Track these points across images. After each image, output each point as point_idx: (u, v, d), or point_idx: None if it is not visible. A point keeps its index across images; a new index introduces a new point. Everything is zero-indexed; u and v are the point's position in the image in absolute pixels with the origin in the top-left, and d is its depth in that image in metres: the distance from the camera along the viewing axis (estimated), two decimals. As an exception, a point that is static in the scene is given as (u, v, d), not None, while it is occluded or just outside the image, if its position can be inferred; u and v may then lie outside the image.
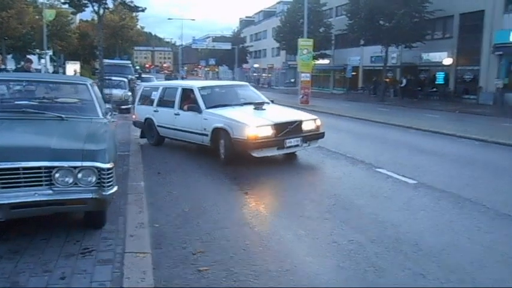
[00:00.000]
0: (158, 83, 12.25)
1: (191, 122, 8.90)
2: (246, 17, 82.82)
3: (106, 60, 22.83)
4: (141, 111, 10.77)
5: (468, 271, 3.83)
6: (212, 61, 74.31)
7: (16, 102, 5.34)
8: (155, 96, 10.27)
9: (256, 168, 7.92)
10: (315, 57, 40.15)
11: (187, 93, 9.35)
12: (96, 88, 6.08)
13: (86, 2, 16.93)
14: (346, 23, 33.89)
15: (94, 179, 3.90)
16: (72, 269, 3.61)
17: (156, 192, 6.36)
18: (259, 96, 9.90)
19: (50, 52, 39.63)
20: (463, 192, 6.27)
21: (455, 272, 3.81)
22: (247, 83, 11.18)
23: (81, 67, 41.22)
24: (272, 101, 9.77)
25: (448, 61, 30.17)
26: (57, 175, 3.83)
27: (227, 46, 61.55)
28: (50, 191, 3.83)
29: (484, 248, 4.34)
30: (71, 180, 3.86)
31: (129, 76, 21.94)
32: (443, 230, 4.85)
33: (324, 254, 4.23)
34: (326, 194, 6.34)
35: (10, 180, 3.72)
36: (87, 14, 32.28)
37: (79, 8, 17.72)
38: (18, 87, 5.70)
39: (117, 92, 17.14)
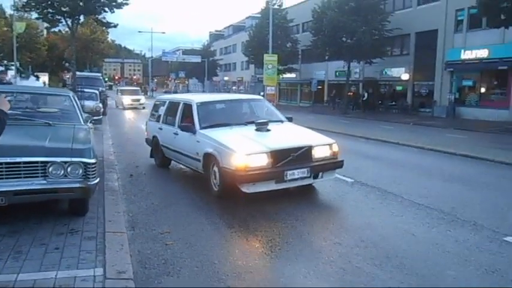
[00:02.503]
0: (166, 96, 10.66)
1: (186, 144, 7.60)
2: (216, 30, 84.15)
3: (78, 73, 23.48)
4: (150, 128, 9.75)
5: (375, 241, 4.94)
6: (182, 74, 75.05)
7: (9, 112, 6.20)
8: (162, 111, 9.19)
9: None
10: (282, 71, 41.77)
11: (187, 108, 7.93)
12: (76, 99, 6.98)
13: (60, 17, 17.62)
14: (310, 39, 35.51)
15: (81, 171, 4.84)
16: (64, 243, 4.53)
17: (129, 190, 7.30)
18: (274, 113, 8.29)
19: (17, 64, 39.69)
20: (388, 187, 7.50)
21: (365, 241, 4.93)
22: (261, 97, 9.76)
23: (49, 79, 41.41)
24: (290, 119, 8.22)
25: (405, 76, 32.08)
26: (50, 168, 4.75)
27: (197, 59, 62.52)
28: (45, 181, 4.74)
29: (391, 227, 5.48)
30: (62, 173, 4.79)
31: (100, 88, 22.61)
32: (365, 215, 6.02)
33: None
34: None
35: (12, 172, 4.62)
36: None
37: (53, 23, 18.40)
38: (9, 98, 6.55)
39: (89, 104, 17.79)
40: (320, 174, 6.70)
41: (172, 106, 8.73)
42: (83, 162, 4.85)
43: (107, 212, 5.65)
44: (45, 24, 32.63)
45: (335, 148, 6.91)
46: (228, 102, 8.64)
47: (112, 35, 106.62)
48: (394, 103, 33.68)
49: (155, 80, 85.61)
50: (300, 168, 6.37)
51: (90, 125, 6.59)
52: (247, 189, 6.16)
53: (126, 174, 8.57)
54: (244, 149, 6.22)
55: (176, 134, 7.97)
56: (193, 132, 7.26)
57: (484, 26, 25.29)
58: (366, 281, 3.96)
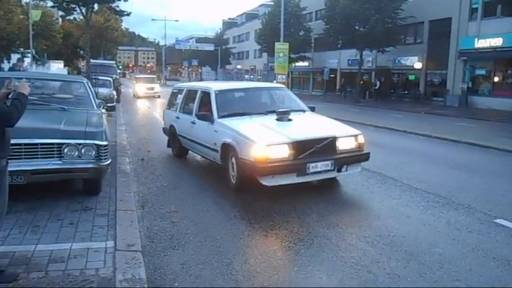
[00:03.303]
0: (184, 84, 10.57)
1: (203, 134, 7.34)
2: (229, 18, 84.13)
3: (92, 61, 23.94)
4: (168, 117, 9.62)
5: (370, 221, 5.20)
6: (195, 62, 75.39)
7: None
8: (179, 100, 8.99)
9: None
10: (295, 60, 41.79)
11: (205, 96, 7.66)
12: (90, 85, 7.32)
13: (74, 6, 17.99)
14: (323, 27, 35.45)
15: (94, 153, 5.18)
16: (78, 219, 4.89)
17: (140, 172, 7.66)
18: (297, 102, 7.95)
19: (33, 51, 40.38)
20: (390, 173, 7.75)
21: (359, 222, 5.20)
22: (282, 86, 9.23)
23: (65, 66, 42.05)
24: (312, 108, 7.87)
25: (418, 65, 31.92)
26: (66, 150, 5.09)
27: (210, 47, 62.75)
28: (60, 162, 5.09)
29: (387, 208, 5.73)
30: (76, 154, 5.13)
31: (114, 76, 23.03)
32: (363, 198, 6.33)
33: None
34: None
35: (30, 153, 4.97)
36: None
37: (68, 11, 18.79)
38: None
39: (102, 91, 18.19)
40: (344, 167, 6.30)
41: (190, 94, 8.53)
42: (96, 144, 5.18)
43: (118, 192, 5.99)
44: (60, 13, 33.13)
45: (361, 139, 6.54)
46: (247, 91, 8.24)
47: (126, 23, 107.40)
48: (406, 92, 33.57)
49: (169, 68, 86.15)
50: (324, 161, 6.02)
51: (102, 110, 6.92)
52: (267, 182, 5.84)
53: (138, 158, 8.92)
54: (265, 140, 5.89)
55: (193, 123, 7.73)
56: (211, 121, 6.96)
57: (498, 14, 25.09)
58: (357, 256, 4.23)
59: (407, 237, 4.74)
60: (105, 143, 5.24)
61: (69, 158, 5.11)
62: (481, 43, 26.11)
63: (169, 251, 4.36)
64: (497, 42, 25.05)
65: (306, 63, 46.07)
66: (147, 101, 27.68)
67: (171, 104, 9.58)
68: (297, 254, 4.32)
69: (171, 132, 9.16)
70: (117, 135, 11.63)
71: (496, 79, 26.62)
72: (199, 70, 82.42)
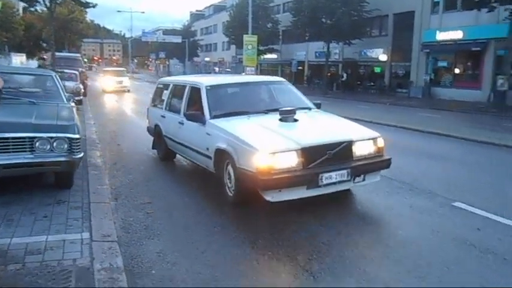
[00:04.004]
0: (170, 78, 9.32)
1: (193, 137, 6.44)
2: (197, 10, 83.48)
3: (57, 53, 23.39)
4: (152, 115, 8.60)
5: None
6: (162, 54, 74.45)
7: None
8: (165, 96, 7.96)
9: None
10: (263, 52, 41.96)
11: (195, 93, 6.71)
12: (59, 79, 7.26)
13: (38, -4, 17.57)
14: (291, 20, 35.73)
15: (66, 146, 5.19)
16: (52, 212, 4.91)
17: (111, 166, 7.67)
18: (300, 98, 6.99)
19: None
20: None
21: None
22: (283, 79, 7.86)
23: (27, 59, 40.81)
24: (318, 105, 6.91)
25: (383, 57, 32.67)
26: (37, 143, 5.09)
27: (177, 39, 62.06)
28: (32, 155, 5.09)
29: (351, 195, 6.00)
30: (48, 147, 5.13)
31: (80, 69, 22.60)
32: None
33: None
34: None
35: (1, 147, 4.95)
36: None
37: (31, 2, 18.31)
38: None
39: (69, 84, 17.82)
40: (361, 176, 5.35)
41: (177, 90, 7.52)
42: (68, 138, 5.20)
43: (91, 185, 6.02)
44: (22, 4, 32.08)
45: (380, 143, 5.59)
46: (243, 86, 7.20)
47: (90, 15, 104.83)
48: (372, 84, 34.34)
49: (135, 61, 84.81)
50: (338, 170, 5.08)
51: (72, 103, 6.89)
52: (271, 197, 4.91)
53: (109, 151, 8.90)
54: (268, 146, 4.95)
55: (181, 123, 6.80)
56: (203, 122, 6.05)
57: (459, 7, 25.95)
58: (310, 236, 4.45)
59: (371, 220, 5.02)
60: (77, 136, 5.26)
61: (41, 152, 5.11)
62: (442, 36, 26.98)
63: (145, 241, 4.46)
64: (457, 35, 25.95)
65: (274, 56, 46.33)
66: (115, 95, 27.22)
67: (155, 101, 8.59)
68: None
69: (156, 132, 8.20)
70: (85, 129, 11.51)
71: (456, 71, 27.60)
72: (167, 62, 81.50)
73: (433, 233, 4.65)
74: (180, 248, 4.28)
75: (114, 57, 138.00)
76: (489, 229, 4.78)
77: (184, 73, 61.05)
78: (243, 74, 27.81)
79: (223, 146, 5.47)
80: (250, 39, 28.66)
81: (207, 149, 5.94)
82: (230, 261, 4.04)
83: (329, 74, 36.19)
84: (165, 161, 8.03)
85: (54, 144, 5.16)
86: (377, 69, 34.51)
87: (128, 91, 29.27)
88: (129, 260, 3.99)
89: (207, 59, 71.44)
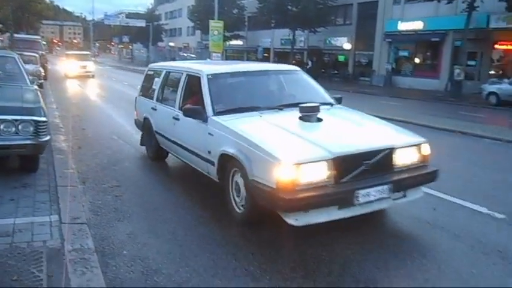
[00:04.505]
0: (162, 64, 7.68)
1: (192, 136, 5.42)
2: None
3: (16, 35, 22.57)
4: (141, 107, 7.43)
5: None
6: (126, 38, 72.77)
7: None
8: (156, 85, 6.84)
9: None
10: (229, 38, 41.77)
11: (193, 83, 5.69)
12: (21, 61, 7.10)
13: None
14: (257, 6, 35.70)
15: (32, 129, 5.14)
16: (18, 195, 4.87)
17: (76, 150, 7.61)
18: (317, 91, 5.87)
19: None
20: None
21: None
22: (296, 68, 6.56)
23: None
24: (339, 100, 5.82)
25: (347, 46, 33.24)
26: (2, 126, 5.02)
27: (141, 23, 60.73)
28: (-3, 138, 5.01)
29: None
30: (13, 130, 5.07)
31: (40, 52, 21.90)
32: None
33: None
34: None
35: (-35, 130, 4.86)
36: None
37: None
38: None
39: (28, 68, 17.25)
40: (401, 192, 4.34)
41: (171, 78, 6.51)
42: (34, 120, 5.14)
43: (57, 169, 5.97)
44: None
45: (425, 150, 4.55)
46: (251, 75, 5.94)
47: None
48: (336, 72, 34.90)
49: (97, 45, 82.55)
50: (378, 185, 4.07)
51: (35, 86, 6.78)
52: (295, 220, 3.84)
53: (73, 136, 8.78)
54: (292, 155, 3.89)
55: (176, 118, 5.74)
56: (204, 119, 4.99)
57: (420, -2, 26.66)
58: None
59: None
60: (43, 119, 5.22)
61: (6, 135, 5.04)
62: (403, 26, 27.70)
63: (114, 223, 4.51)
64: (418, 25, 26.72)
65: (240, 42, 46.20)
66: (79, 80, 26.26)
67: (145, 90, 7.40)
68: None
69: (145, 127, 7.12)
70: (48, 113, 11.26)
71: (416, 60, 28.47)
72: (130, 47, 79.77)
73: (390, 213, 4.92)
74: (150, 229, 4.37)
75: (74, 41, 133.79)
76: (443, 208, 5.12)
77: (148, 58, 60.07)
78: (208, 60, 27.66)
79: (230, 150, 4.41)
80: (216, 25, 28.50)
81: (209, 152, 4.89)
82: (198, 239, 4.16)
83: (294, 62, 36.45)
84: (155, 161, 6.93)
85: (20, 127, 5.10)
86: (341, 58, 35.09)
87: (93, 76, 28.08)
88: (99, 241, 4.04)
89: (171, 44, 70.37)
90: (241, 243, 4.12)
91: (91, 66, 28.76)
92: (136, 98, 7.77)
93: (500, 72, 22.49)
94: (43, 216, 4.33)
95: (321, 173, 3.92)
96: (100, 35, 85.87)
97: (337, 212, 3.99)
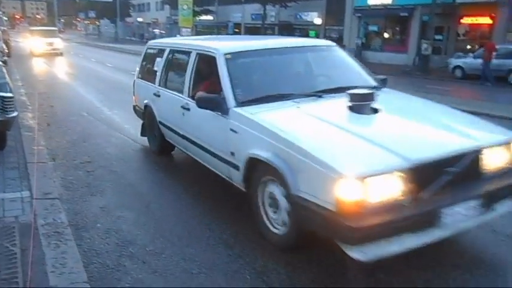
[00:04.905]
0: (166, 41, 6.66)
1: (207, 131, 4.38)
2: (128, -33, 79.13)
3: (-26, 10, 21.54)
4: (140, 91, 6.36)
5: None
6: (92, 14, 70.51)
7: None
8: (159, 66, 5.67)
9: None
10: (199, 13, 41.11)
11: (205, 64, 4.66)
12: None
13: None
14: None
15: (-2, 105, 5.05)
16: (-14, 173, 4.81)
17: (45, 127, 7.49)
18: (358, 72, 4.75)
19: None
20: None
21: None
22: (331, 43, 5.20)
23: None
24: (383, 81, 4.73)
25: (318, 21, 33.24)
26: (-34, 102, 4.90)
27: (108, -2, 58.90)
28: (-38, 115, 4.90)
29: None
30: (-22, 106, 4.97)
31: (2, 27, 21.11)
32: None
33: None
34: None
35: None
36: None
37: None
38: None
39: (-10, 44, 16.74)
40: (491, 206, 3.21)
41: (177, 58, 5.45)
42: (0, 96, 5.04)
43: (25, 146, 5.90)
44: None
45: None
46: (278, 53, 4.67)
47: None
48: (307, 47, 34.87)
49: (62, 21, 79.72)
50: (466, 200, 3.06)
51: (0, 62, 6.60)
52: (361, 254, 2.77)
53: (41, 113, 8.61)
54: (357, 164, 2.86)
55: (186, 108, 4.67)
56: (223, 111, 3.92)
57: (389, -28, 26.76)
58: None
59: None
60: (10, 94, 5.14)
61: (-28, 111, 4.94)
62: (373, 1, 27.84)
63: (87, 197, 4.52)
64: (387, 0, 26.86)
65: (210, 17, 45.51)
66: (45, 58, 24.62)
67: (144, 72, 6.28)
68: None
69: (146, 116, 6.07)
70: (14, 90, 10.97)
71: (386, 35, 28.75)
72: (97, 23, 77.45)
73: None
74: (124, 203, 4.40)
75: (38, 16, 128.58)
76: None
77: (116, 34, 58.58)
78: (178, 36, 27.24)
79: (263, 154, 3.36)
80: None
81: (232, 153, 3.86)
82: (173, 212, 4.23)
83: (265, 37, 36.28)
84: (161, 155, 5.92)
85: (-15, 102, 5.00)
86: (312, 33, 35.04)
87: (61, 54, 26.40)
88: (73, 215, 4.06)
89: (139, 19, 68.60)
90: (215, 214, 4.20)
91: (59, 43, 27.06)
92: (134, 81, 6.63)
93: (468, 47, 23.01)
94: (14, 193, 4.32)
95: (394, 187, 2.86)
96: (65, 11, 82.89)
97: (417, 238, 2.88)
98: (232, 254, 3.41)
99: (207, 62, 4.57)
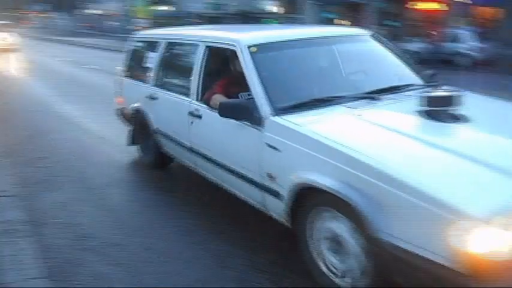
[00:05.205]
0: (160, 32, 5.25)
1: (231, 144, 3.44)
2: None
3: None
4: (128, 92, 5.36)
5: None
6: (44, 6, 67.97)
7: None
8: (152, 62, 4.77)
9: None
10: (157, 3, 40.39)
11: (219, 59, 4.04)
12: None
13: None
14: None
15: None
16: None
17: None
18: (401, 65, 4.01)
19: None
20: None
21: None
22: (363, 31, 4.39)
23: None
24: (432, 76, 3.92)
25: (275, 9, 33.42)
26: None
27: (61, -11, 56.95)
28: None
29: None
30: None
31: None
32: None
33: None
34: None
35: None
36: None
37: None
38: None
39: None
40: None
41: (178, 53, 4.60)
42: None
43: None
44: None
45: None
46: (311, 44, 3.79)
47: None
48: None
49: (15, 14, 76.47)
50: None
51: None
52: None
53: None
54: (482, 199, 2.04)
55: (196, 115, 3.78)
56: (255, 120, 3.06)
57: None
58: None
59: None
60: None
61: None
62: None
63: (45, 193, 4.47)
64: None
65: (167, 7, 44.76)
66: None
67: (132, 69, 5.33)
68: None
69: (137, 122, 5.09)
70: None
71: (343, 22, 29.18)
72: (52, 16, 74.76)
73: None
74: (83, 198, 4.38)
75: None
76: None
77: (72, 27, 56.72)
78: (134, 26, 26.62)
79: (325, 182, 2.48)
80: (141, -10, 27.41)
81: (270, 176, 2.95)
82: (130, 205, 4.29)
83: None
84: (157, 169, 5.04)
85: None
86: (271, 21, 35.16)
87: (16, 50, 24.23)
88: (30, 211, 4.00)
89: (94, 11, 66.64)
90: (179, 202, 4.26)
91: (13, 37, 25.10)
92: (119, 79, 5.59)
93: (421, 32, 23.68)
94: (-35, 191, 4.23)
95: None
96: (14, 3, 79.54)
97: None
98: (193, 242, 3.47)
99: (220, 57, 3.96)
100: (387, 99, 3.24)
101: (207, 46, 3.87)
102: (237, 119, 3.15)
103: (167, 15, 46.83)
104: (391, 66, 4.02)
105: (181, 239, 3.53)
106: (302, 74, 3.58)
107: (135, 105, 4.98)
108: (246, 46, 3.40)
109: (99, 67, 15.93)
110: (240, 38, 3.54)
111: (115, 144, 6.07)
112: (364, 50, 4.10)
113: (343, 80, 3.72)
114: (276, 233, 3.40)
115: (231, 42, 3.55)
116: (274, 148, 2.89)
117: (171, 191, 4.54)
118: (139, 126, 5.08)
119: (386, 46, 4.18)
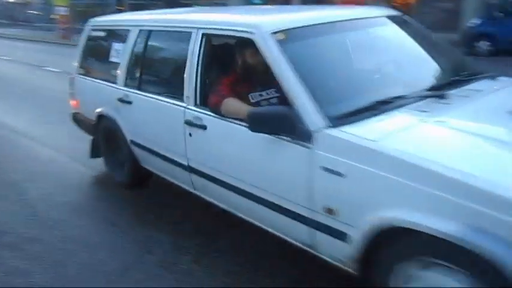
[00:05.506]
0: (129, 16, 4.65)
1: (261, 167, 2.48)
2: None
3: None
4: (90, 94, 4.41)
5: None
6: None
7: None
8: (121, 54, 3.84)
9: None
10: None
11: (223, 51, 3.20)
12: None
13: None
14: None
15: None
16: None
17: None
18: (448, 54, 3.37)
19: None
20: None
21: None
22: (397, 12, 3.50)
23: None
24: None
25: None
26: None
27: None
28: None
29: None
30: None
31: None
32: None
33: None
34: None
35: None
36: None
37: None
38: None
39: None
40: None
41: (158, 44, 3.73)
42: None
43: None
44: None
45: None
46: (342, 29, 2.92)
47: None
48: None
49: None
50: None
51: None
52: None
53: None
54: None
55: (198, 126, 2.88)
56: (301, 135, 2.19)
57: None
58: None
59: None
60: None
61: None
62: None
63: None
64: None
65: (88, -6, 42.84)
66: None
67: (91, 64, 4.48)
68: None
69: (103, 131, 4.21)
70: None
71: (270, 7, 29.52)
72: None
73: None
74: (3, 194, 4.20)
75: None
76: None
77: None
78: (51, 15, 24.98)
79: (432, 225, 1.73)
80: (58, -24, 25.94)
81: (328, 211, 2.16)
82: (48, 198, 4.13)
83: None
84: (132, 188, 4.13)
85: None
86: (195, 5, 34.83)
87: None
88: None
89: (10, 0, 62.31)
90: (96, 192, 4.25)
91: None
92: (73, 78, 4.60)
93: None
94: None
95: None
96: None
97: None
98: (116, 231, 3.46)
99: (226, 48, 3.17)
100: (457, 97, 2.50)
101: (204, 34, 2.95)
102: (275, 133, 2.30)
103: (87, 2, 44.74)
104: (435, 53, 3.22)
105: (105, 228, 3.51)
106: (346, 67, 2.85)
107: (98, 110, 4.05)
108: (269, 33, 2.52)
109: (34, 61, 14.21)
110: (260, 21, 2.70)
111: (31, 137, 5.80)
112: (399, 35, 3.24)
113: (390, 73, 2.90)
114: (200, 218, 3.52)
115: (245, 29, 2.65)
116: (336, 173, 2.08)
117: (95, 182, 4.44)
118: (106, 137, 4.17)
119: (421, 29, 3.43)
